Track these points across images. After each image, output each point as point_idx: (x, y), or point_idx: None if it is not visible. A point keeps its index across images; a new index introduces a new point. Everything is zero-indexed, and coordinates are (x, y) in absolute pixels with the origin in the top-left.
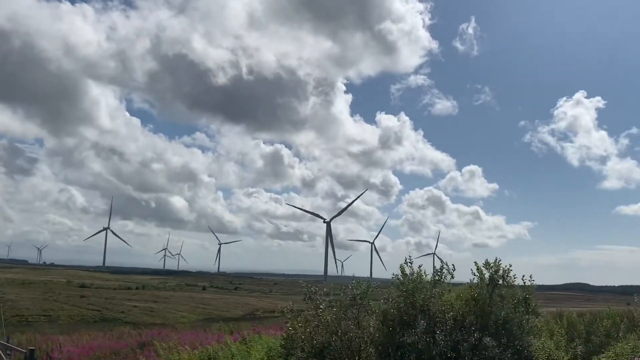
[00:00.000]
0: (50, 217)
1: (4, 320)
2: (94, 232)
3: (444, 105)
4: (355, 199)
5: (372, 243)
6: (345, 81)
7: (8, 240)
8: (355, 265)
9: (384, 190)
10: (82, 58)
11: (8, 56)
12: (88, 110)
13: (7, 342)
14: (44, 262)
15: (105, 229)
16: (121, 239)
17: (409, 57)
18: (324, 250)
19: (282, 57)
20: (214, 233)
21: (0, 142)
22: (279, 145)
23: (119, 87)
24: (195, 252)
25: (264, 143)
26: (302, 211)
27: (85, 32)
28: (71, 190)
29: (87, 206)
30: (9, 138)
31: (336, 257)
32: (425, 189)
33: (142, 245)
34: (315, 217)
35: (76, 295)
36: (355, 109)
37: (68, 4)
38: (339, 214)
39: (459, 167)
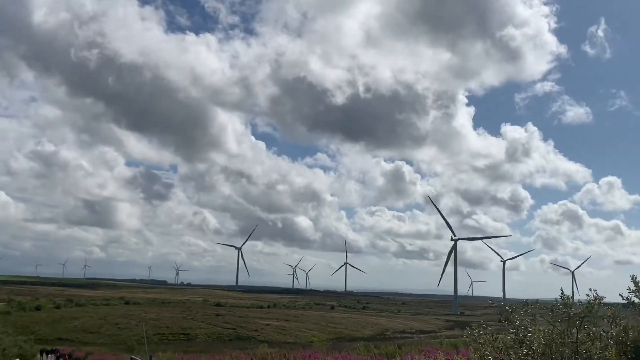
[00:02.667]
0: (186, 239)
1: (147, 339)
2: (238, 260)
3: (575, 113)
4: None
5: (504, 261)
6: (466, 93)
7: (149, 262)
8: (482, 286)
9: (513, 205)
10: (209, 86)
11: (141, 88)
12: (216, 136)
13: None
14: (182, 282)
15: (237, 249)
16: (245, 263)
17: (535, 64)
18: (452, 270)
19: (399, 73)
20: (345, 251)
21: (139, 170)
22: (399, 162)
23: (244, 112)
24: (322, 271)
25: (384, 161)
26: (442, 219)
27: (210, 61)
28: (204, 213)
29: (219, 227)
30: (146, 165)
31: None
32: (559, 202)
33: (271, 264)
34: (440, 235)
35: (212, 314)
36: (478, 121)
37: (193, 35)
38: (470, 239)
39: (596, 178)
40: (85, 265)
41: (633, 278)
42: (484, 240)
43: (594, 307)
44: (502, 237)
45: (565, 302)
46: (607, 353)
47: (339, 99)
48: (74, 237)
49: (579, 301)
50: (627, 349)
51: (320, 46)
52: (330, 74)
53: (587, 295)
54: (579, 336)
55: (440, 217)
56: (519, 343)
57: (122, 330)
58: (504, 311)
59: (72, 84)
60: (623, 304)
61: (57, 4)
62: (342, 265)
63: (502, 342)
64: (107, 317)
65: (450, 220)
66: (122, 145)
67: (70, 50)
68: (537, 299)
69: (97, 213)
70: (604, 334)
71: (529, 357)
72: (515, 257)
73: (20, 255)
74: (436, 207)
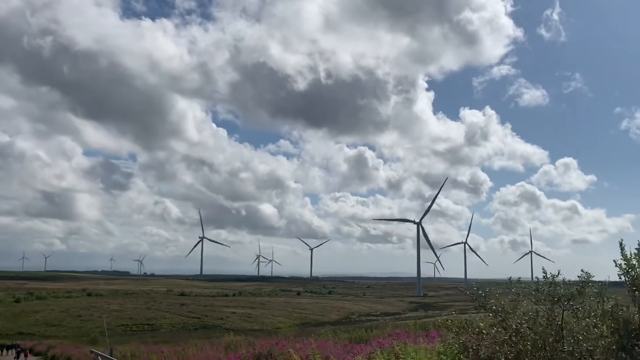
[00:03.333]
0: (148, 229)
1: (108, 330)
2: (193, 246)
3: (532, 96)
4: (439, 192)
5: (466, 243)
6: (426, 78)
7: (110, 253)
8: (448, 267)
9: (473, 188)
10: (166, 73)
11: (97, 76)
12: (176, 124)
13: (111, 355)
14: (145, 273)
15: (201, 238)
16: (219, 242)
17: (492, 47)
18: (415, 252)
19: (360, 58)
20: (302, 240)
21: (97, 159)
22: (362, 148)
23: (203, 99)
24: (286, 258)
25: (347, 146)
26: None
27: (167, 47)
28: (166, 202)
29: (182, 217)
30: (104, 155)
31: (434, 259)
32: (517, 184)
33: (236, 252)
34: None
35: (176, 303)
36: (438, 106)
37: (149, 20)
38: (426, 212)
39: (553, 160)
40: (45, 257)
41: (623, 255)
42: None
43: (586, 286)
44: (462, 220)
45: (551, 282)
46: (595, 330)
47: (301, 84)
48: (33, 230)
49: (562, 281)
50: (619, 326)
51: (279, 31)
52: (291, 60)
53: (543, 274)
54: (564, 316)
55: (403, 201)
56: (498, 325)
57: (84, 322)
58: (478, 297)
59: (26, 72)
60: (611, 283)
61: None
62: (199, 241)
63: (476, 328)
64: (69, 310)
65: (413, 204)
66: (79, 134)
67: (23, 38)
68: (519, 278)
69: (56, 205)
70: (593, 312)
71: (513, 340)
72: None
73: None
74: None
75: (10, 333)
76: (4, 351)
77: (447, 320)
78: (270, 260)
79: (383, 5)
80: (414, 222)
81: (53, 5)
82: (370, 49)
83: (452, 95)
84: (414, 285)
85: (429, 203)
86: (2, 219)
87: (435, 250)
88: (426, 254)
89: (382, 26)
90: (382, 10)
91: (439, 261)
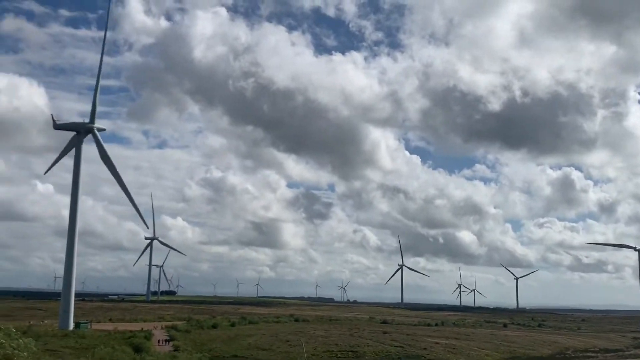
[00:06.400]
0: (349, 257)
1: (314, 356)
2: (392, 274)
3: None
4: None
5: None
6: (637, 89)
7: (315, 280)
8: None
9: None
10: (359, 104)
11: (294, 112)
12: (370, 153)
13: None
14: (348, 300)
15: (400, 266)
16: (418, 271)
17: None
18: (637, 283)
19: (558, 73)
20: (507, 268)
21: (299, 191)
22: (567, 169)
23: (395, 127)
24: (489, 287)
25: (550, 168)
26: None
27: (358, 79)
28: (364, 231)
29: (380, 245)
30: (305, 186)
31: None
32: None
33: (436, 281)
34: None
35: (379, 331)
36: None
37: (339, 55)
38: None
39: None
40: (257, 284)
41: None
42: None
43: None
44: None
45: None
46: None
47: (494, 105)
48: (245, 258)
49: None
50: None
51: (469, 52)
52: (482, 80)
53: None
54: None
55: (619, 225)
56: None
57: (292, 347)
58: None
59: (233, 113)
60: None
61: (214, 39)
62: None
63: None
64: (278, 335)
65: (630, 229)
66: (282, 168)
67: (229, 82)
68: None
69: (265, 234)
70: None
71: None
72: None
73: (198, 276)
74: None
75: (226, 355)
76: None
77: None
78: (472, 290)
79: (582, 14)
80: (634, 248)
81: (253, 49)
82: (569, 61)
83: None
84: (636, 319)
85: None
86: (219, 248)
87: None
88: None
89: (583, 36)
90: (582, 19)
91: None
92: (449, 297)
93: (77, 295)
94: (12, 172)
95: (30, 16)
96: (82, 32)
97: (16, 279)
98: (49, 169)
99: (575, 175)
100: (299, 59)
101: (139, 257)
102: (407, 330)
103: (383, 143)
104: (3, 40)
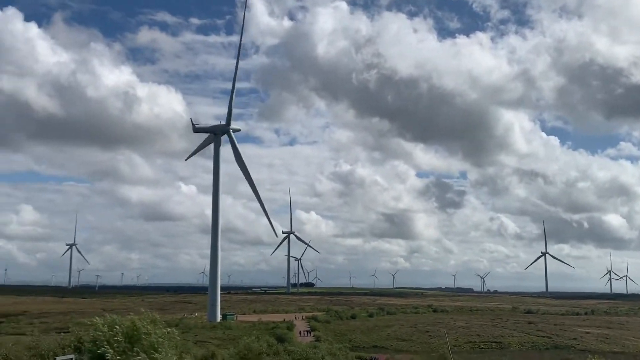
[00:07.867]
0: (487, 246)
1: (457, 347)
2: (533, 260)
3: None
4: None
5: None
6: None
7: (452, 270)
8: None
9: None
10: (487, 87)
11: (419, 100)
12: (503, 137)
13: None
14: (488, 290)
15: (543, 253)
16: (562, 261)
17: None
18: None
19: None
20: None
21: (430, 180)
22: None
23: (529, 108)
24: None
25: None
26: None
27: (485, 61)
28: (501, 218)
29: (520, 232)
30: (436, 175)
31: None
32: None
33: (582, 268)
34: None
35: (523, 321)
36: None
37: (463, 37)
38: None
39: None
40: (393, 275)
41: None
42: None
43: None
44: None
45: None
46: None
47: (638, 77)
48: (379, 249)
49: None
50: None
51: (605, 23)
52: (622, 52)
53: None
54: None
55: None
56: None
57: (432, 338)
58: None
59: (358, 106)
60: None
61: (335, 34)
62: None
63: None
64: (417, 325)
65: None
66: (410, 157)
67: (352, 75)
68: None
69: (397, 225)
70: None
71: None
72: None
73: (335, 268)
74: None
75: (365, 346)
76: None
77: None
78: (624, 276)
79: None
80: None
81: (374, 40)
82: None
83: None
84: None
85: None
86: (353, 241)
87: None
88: None
89: None
90: None
91: None
92: (597, 285)
93: (222, 288)
94: (158, 175)
95: (163, 27)
96: (212, 39)
97: (168, 275)
98: (189, 156)
99: None
100: (422, 45)
101: (275, 250)
102: (554, 320)
103: (516, 125)
104: (141, 51)
